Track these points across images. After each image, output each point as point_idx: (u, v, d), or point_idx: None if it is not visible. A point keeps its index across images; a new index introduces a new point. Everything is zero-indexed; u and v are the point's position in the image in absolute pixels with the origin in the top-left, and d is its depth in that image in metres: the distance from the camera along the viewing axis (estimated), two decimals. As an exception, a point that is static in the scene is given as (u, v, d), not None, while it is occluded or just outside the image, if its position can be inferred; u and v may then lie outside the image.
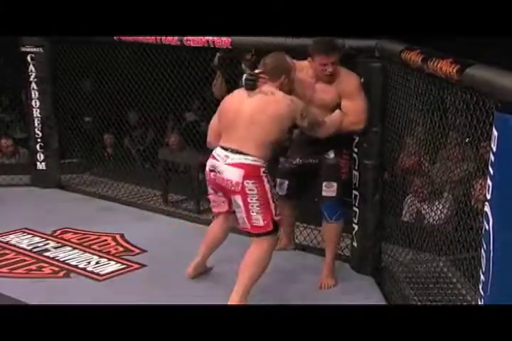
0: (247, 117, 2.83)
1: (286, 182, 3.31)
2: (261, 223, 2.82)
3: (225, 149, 2.85)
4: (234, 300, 2.81)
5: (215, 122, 3.04)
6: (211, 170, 2.90)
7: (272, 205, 2.84)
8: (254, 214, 2.82)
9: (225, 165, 2.82)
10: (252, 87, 2.87)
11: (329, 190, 3.16)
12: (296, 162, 3.25)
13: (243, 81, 2.91)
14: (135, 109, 5.64)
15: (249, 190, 2.79)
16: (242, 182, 2.78)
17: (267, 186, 2.82)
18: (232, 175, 2.80)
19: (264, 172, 2.82)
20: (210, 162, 2.91)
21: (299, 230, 3.73)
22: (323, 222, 3.24)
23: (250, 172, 2.79)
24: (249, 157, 2.80)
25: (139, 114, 5.97)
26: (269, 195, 2.83)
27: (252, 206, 2.81)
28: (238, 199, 2.83)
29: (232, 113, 2.88)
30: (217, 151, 2.88)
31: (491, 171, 1.86)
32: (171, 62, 4.32)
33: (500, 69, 1.97)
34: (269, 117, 2.80)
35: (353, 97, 3.07)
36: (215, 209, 3.11)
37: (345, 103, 3.07)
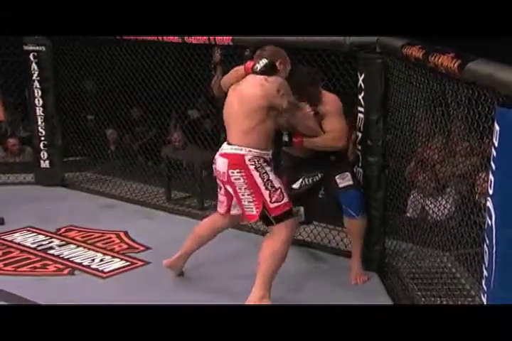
0: (232, 109, 2.86)
1: (302, 208, 3.30)
2: (254, 211, 2.80)
3: (226, 142, 2.91)
4: (254, 294, 2.79)
5: None
6: (213, 163, 2.94)
7: (265, 193, 2.77)
8: (246, 203, 2.81)
9: (218, 155, 2.89)
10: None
11: (344, 180, 3.15)
12: (303, 184, 3.22)
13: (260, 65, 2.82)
14: (137, 107, 5.63)
15: (235, 179, 2.79)
16: (227, 172, 2.80)
17: (256, 174, 2.78)
18: (220, 165, 2.86)
19: (250, 160, 2.78)
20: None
21: (303, 226, 3.72)
22: (345, 217, 3.18)
23: (233, 161, 2.80)
24: (233, 146, 2.82)
25: (141, 111, 5.97)
26: (260, 183, 2.78)
27: (242, 195, 2.80)
28: (229, 188, 2.86)
29: (226, 109, 2.92)
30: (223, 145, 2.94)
31: (493, 166, 1.86)
32: (172, 58, 4.32)
33: (502, 64, 1.97)
34: (246, 102, 2.79)
35: (335, 117, 3.11)
36: (218, 208, 3.08)
37: (327, 122, 3.11)
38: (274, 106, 2.79)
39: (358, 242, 3.22)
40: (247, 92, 2.80)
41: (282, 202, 2.80)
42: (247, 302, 2.79)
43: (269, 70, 2.80)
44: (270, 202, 2.78)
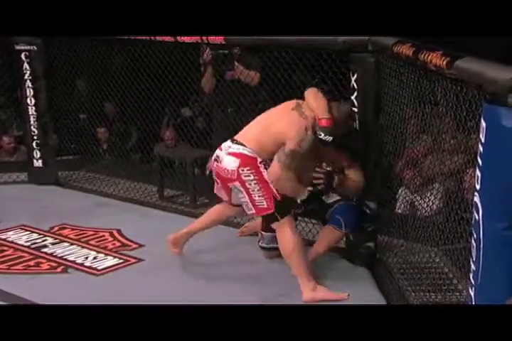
0: (265, 120, 3.01)
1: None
2: (265, 205, 2.91)
3: (232, 141, 2.99)
4: (305, 290, 2.93)
5: None
6: (215, 160, 3.02)
7: (272, 185, 2.90)
8: (257, 197, 2.91)
9: (225, 154, 2.95)
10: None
11: (330, 197, 3.20)
12: None
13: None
14: (113, 103, 5.56)
15: (245, 176, 2.89)
16: (237, 170, 2.89)
17: (264, 171, 2.90)
18: (229, 163, 2.93)
19: (260, 162, 2.91)
20: (216, 152, 3.04)
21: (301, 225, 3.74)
22: (329, 225, 3.21)
23: (246, 161, 2.90)
24: (248, 148, 2.91)
25: (131, 109, 5.91)
26: (268, 178, 2.90)
27: (252, 191, 2.90)
28: (238, 185, 2.94)
29: (266, 113, 3.08)
30: (225, 143, 3.01)
31: (480, 162, 1.89)
32: (164, 58, 4.33)
33: (489, 61, 2.00)
34: (278, 123, 2.94)
35: (358, 168, 3.16)
36: (218, 194, 3.19)
37: (354, 172, 3.15)
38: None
39: (324, 248, 3.23)
40: (285, 117, 2.94)
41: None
42: (304, 301, 2.90)
43: (324, 144, 2.92)
44: (277, 193, 2.91)
